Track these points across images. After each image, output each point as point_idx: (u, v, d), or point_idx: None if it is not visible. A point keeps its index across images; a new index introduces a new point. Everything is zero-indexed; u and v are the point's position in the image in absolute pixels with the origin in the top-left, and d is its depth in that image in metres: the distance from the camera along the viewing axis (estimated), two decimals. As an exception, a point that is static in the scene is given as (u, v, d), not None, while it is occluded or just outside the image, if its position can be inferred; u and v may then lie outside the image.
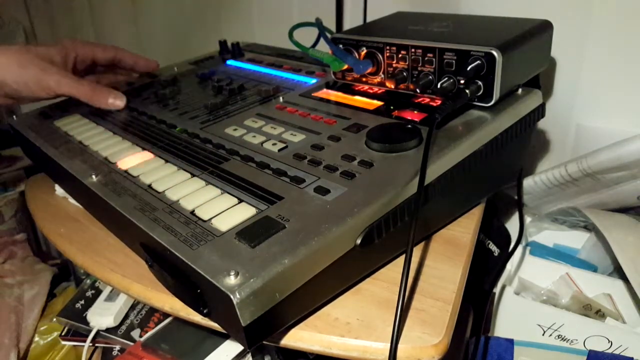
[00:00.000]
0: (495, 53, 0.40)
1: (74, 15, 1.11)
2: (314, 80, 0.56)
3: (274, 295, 0.29)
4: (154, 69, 0.64)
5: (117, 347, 0.57)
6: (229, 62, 0.69)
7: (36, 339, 0.66)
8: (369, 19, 0.72)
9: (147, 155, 0.44)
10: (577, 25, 0.55)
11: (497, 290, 0.55)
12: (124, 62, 0.61)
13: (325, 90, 0.53)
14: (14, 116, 0.58)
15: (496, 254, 0.60)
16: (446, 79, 0.44)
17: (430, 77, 0.45)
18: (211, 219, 0.34)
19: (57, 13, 1.13)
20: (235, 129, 0.47)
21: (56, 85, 0.51)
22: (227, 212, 0.34)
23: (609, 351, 0.47)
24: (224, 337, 0.49)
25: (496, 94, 0.42)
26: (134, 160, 0.44)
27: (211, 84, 0.59)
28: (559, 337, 0.50)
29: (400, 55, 0.46)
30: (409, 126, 0.40)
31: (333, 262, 0.32)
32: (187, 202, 0.36)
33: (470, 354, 0.50)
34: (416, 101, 0.47)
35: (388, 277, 0.37)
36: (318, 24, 0.49)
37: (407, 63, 0.46)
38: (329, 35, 0.49)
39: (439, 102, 0.46)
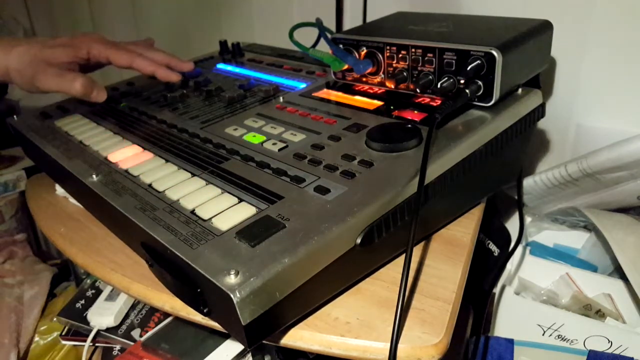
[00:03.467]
0: (495, 53, 0.40)
1: (73, 16, 1.11)
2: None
3: (274, 295, 0.29)
4: (176, 81, 0.57)
5: (118, 347, 0.57)
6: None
7: (36, 339, 0.66)
8: (369, 19, 0.72)
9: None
10: (577, 25, 0.55)
11: (497, 290, 0.55)
12: (142, 72, 0.56)
13: (325, 90, 0.53)
14: (15, 116, 0.58)
15: (496, 254, 0.60)
16: (446, 78, 0.44)
17: (430, 77, 0.45)
18: (211, 218, 0.34)
19: (57, 13, 1.14)
20: (235, 129, 0.47)
21: (42, 85, 0.49)
22: (227, 211, 0.34)
23: (609, 351, 0.47)
24: (224, 336, 0.49)
25: (496, 94, 0.42)
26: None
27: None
28: (559, 337, 0.50)
29: (400, 55, 0.46)
30: (409, 126, 0.40)
31: (333, 262, 0.32)
32: (188, 202, 0.36)
33: (470, 353, 0.50)
34: (416, 101, 0.47)
35: (388, 276, 0.37)
36: (318, 24, 0.49)
37: (407, 63, 0.46)
38: (329, 35, 0.49)
39: (439, 102, 0.46)
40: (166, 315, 0.55)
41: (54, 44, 0.51)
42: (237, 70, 0.65)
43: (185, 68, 0.59)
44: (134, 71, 0.56)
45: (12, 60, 0.48)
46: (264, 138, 0.44)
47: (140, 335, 0.55)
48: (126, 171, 0.42)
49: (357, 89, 0.52)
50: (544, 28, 0.47)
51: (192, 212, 0.35)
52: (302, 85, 0.56)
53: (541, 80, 0.50)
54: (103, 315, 0.56)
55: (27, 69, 0.49)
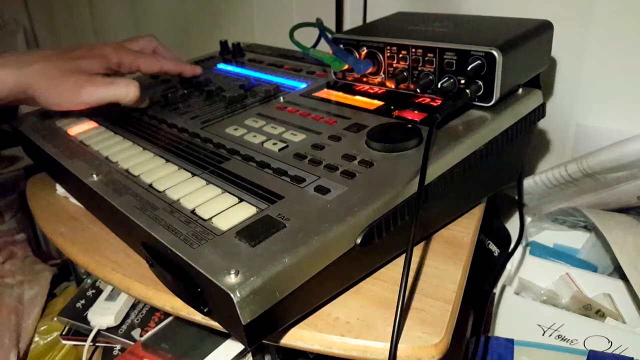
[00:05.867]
0: (495, 53, 0.40)
1: (73, 16, 1.11)
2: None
3: (274, 294, 0.29)
4: (198, 74, 0.60)
5: (118, 347, 0.57)
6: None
7: (36, 339, 0.66)
8: (369, 19, 0.72)
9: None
10: (577, 25, 0.55)
11: (497, 290, 0.55)
12: (170, 73, 0.57)
13: (325, 90, 0.53)
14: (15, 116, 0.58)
15: (496, 254, 0.60)
16: (446, 78, 0.44)
17: (431, 77, 0.45)
18: (212, 218, 0.34)
19: (57, 13, 1.14)
20: (235, 129, 0.47)
21: (91, 96, 0.46)
22: (227, 211, 0.34)
23: (609, 351, 0.47)
24: (225, 336, 0.49)
25: (496, 94, 0.42)
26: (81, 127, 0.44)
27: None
28: (559, 337, 0.50)
29: (400, 55, 0.46)
30: (409, 126, 0.40)
31: (333, 262, 0.32)
32: (188, 202, 0.36)
33: (470, 354, 0.50)
34: (416, 101, 0.47)
35: (388, 276, 0.38)
36: (318, 24, 0.49)
37: (407, 63, 0.46)
38: (329, 35, 0.49)
39: (439, 102, 0.46)
40: (166, 315, 0.55)
41: (77, 55, 0.48)
42: (238, 70, 0.65)
43: (197, 71, 0.61)
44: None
45: (36, 78, 0.44)
46: (264, 138, 0.44)
47: (141, 335, 0.55)
48: (127, 171, 0.42)
49: (357, 89, 0.52)
50: (544, 28, 0.47)
51: (193, 211, 0.35)
52: (303, 85, 0.56)
53: (541, 80, 0.50)
54: (103, 315, 0.56)
55: (61, 84, 0.45)
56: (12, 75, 0.43)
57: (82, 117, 0.55)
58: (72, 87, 0.45)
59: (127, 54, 0.52)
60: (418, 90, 0.46)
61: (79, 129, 0.52)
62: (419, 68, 0.45)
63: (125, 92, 0.47)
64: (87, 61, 0.48)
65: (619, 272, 0.54)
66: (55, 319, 0.62)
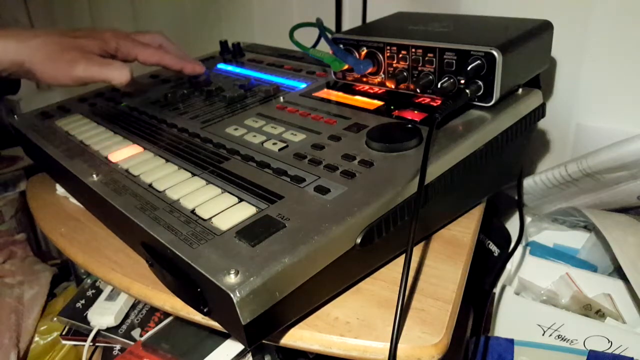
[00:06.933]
0: (495, 53, 0.40)
1: (73, 16, 1.11)
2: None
3: (274, 294, 0.29)
4: (200, 73, 0.59)
5: (118, 347, 0.57)
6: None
7: (36, 339, 0.66)
8: (368, 19, 0.72)
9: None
10: (577, 25, 0.55)
11: (497, 290, 0.55)
12: (169, 68, 0.56)
13: (325, 90, 0.53)
14: (15, 116, 0.58)
15: (496, 254, 0.60)
16: (446, 78, 0.44)
17: (431, 77, 0.45)
18: (211, 218, 0.34)
19: (57, 13, 1.14)
20: (235, 129, 0.47)
21: (83, 72, 0.47)
22: (227, 211, 0.34)
23: (609, 351, 0.47)
24: (225, 336, 0.49)
25: (496, 94, 0.42)
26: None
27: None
28: (559, 337, 0.50)
29: (400, 55, 0.46)
30: (409, 126, 0.40)
31: (333, 262, 0.32)
32: (188, 201, 0.36)
33: (470, 354, 0.50)
34: (416, 101, 0.47)
35: (388, 276, 0.38)
36: (318, 24, 0.49)
37: (407, 63, 0.46)
38: (329, 35, 0.49)
39: (439, 102, 0.46)
40: (166, 315, 0.55)
41: (78, 34, 0.50)
42: (238, 70, 0.65)
43: (198, 69, 0.59)
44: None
45: (34, 50, 0.45)
46: (264, 138, 0.44)
47: (141, 335, 0.55)
48: (126, 171, 0.42)
49: (357, 89, 0.52)
50: (544, 28, 0.47)
51: (192, 211, 0.35)
52: (303, 85, 0.56)
53: (541, 80, 0.50)
54: (103, 315, 0.56)
55: (58, 58, 0.46)
56: (12, 46, 0.44)
57: (83, 117, 0.55)
58: (68, 62, 0.46)
59: (126, 40, 0.53)
60: (418, 90, 0.46)
61: (80, 130, 0.52)
62: (419, 68, 0.45)
63: (118, 74, 0.48)
64: (86, 41, 0.49)
65: (619, 272, 0.54)
66: (55, 319, 0.62)
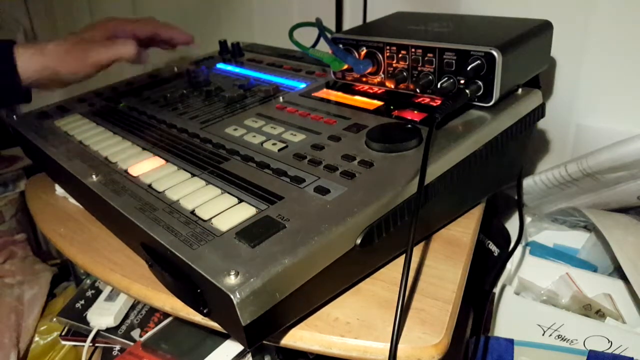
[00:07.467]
0: (495, 53, 0.40)
1: (73, 16, 1.11)
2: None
3: (274, 295, 0.29)
4: (190, 43, 0.63)
5: (117, 347, 0.57)
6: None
7: (36, 339, 0.66)
8: (369, 19, 0.72)
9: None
10: (577, 25, 0.55)
11: (497, 290, 0.55)
12: (161, 36, 0.61)
13: (325, 90, 0.53)
14: (14, 116, 0.58)
15: (496, 254, 0.60)
16: (446, 78, 0.44)
17: (430, 77, 0.45)
18: (211, 218, 0.34)
19: (57, 13, 1.13)
20: (235, 129, 0.47)
21: (96, 57, 0.51)
22: (227, 211, 0.34)
23: (609, 351, 0.47)
24: (224, 337, 0.49)
25: (496, 94, 0.42)
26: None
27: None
28: (559, 337, 0.50)
29: (400, 55, 0.46)
30: (409, 126, 0.40)
31: (333, 262, 0.32)
32: (187, 202, 0.36)
33: (470, 354, 0.50)
34: (416, 101, 0.47)
35: (388, 277, 0.37)
36: (318, 24, 0.49)
37: (407, 63, 0.46)
38: (329, 35, 0.49)
39: (439, 102, 0.46)
40: (166, 315, 0.55)
41: (81, 31, 0.56)
42: (237, 70, 0.65)
43: (189, 40, 0.64)
44: (131, 70, 0.58)
45: (52, 53, 0.50)
46: (264, 138, 0.44)
47: (140, 336, 0.55)
48: (126, 171, 0.42)
49: (357, 89, 0.51)
50: (544, 28, 0.47)
51: (192, 212, 0.35)
52: (302, 85, 0.56)
53: (541, 80, 0.50)
54: (103, 315, 0.56)
55: (72, 54, 0.51)
56: (35, 55, 0.49)
57: (83, 117, 0.55)
58: (81, 53, 0.51)
59: (122, 21, 0.58)
60: (418, 90, 0.46)
61: (79, 130, 0.52)
62: (419, 68, 0.45)
63: (124, 48, 0.53)
64: (89, 33, 0.55)
65: (619, 272, 0.54)
66: (55, 319, 0.62)
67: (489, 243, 0.61)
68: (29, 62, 0.49)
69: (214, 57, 0.73)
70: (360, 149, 0.40)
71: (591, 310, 0.52)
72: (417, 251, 0.40)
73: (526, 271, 0.58)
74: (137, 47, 0.54)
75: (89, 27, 0.56)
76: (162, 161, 0.43)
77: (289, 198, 0.35)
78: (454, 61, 0.43)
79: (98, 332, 0.56)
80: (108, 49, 0.52)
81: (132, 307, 0.59)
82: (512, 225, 0.65)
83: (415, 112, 0.44)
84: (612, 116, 0.57)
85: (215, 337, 0.49)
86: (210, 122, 0.49)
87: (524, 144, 0.49)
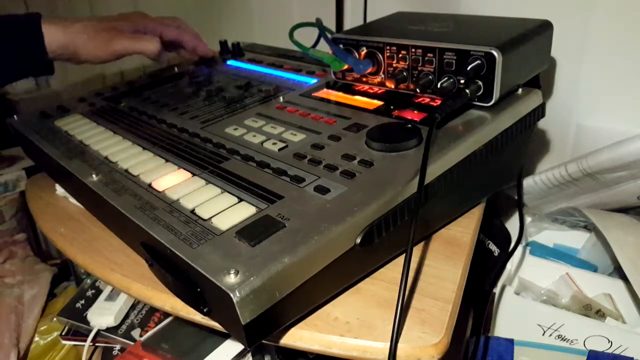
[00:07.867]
0: (495, 53, 0.40)
1: (74, 16, 1.11)
2: (314, 80, 0.56)
3: (273, 294, 0.29)
4: (209, 56, 0.68)
5: (118, 347, 0.57)
6: (229, 62, 0.69)
7: (36, 339, 0.66)
8: (369, 19, 0.72)
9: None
10: (577, 25, 0.55)
11: (497, 290, 0.55)
12: (185, 44, 0.64)
13: (325, 90, 0.53)
14: (15, 116, 0.58)
15: (496, 254, 0.60)
16: (446, 78, 0.44)
17: (430, 77, 0.45)
18: (211, 217, 0.34)
19: (57, 13, 1.13)
20: (235, 129, 0.47)
21: (120, 46, 0.55)
22: (227, 211, 0.34)
23: (609, 351, 0.47)
24: (224, 336, 0.49)
25: (496, 94, 0.42)
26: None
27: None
28: (559, 337, 0.50)
29: (400, 55, 0.46)
30: (409, 126, 0.40)
31: (333, 262, 0.32)
32: (187, 201, 0.36)
33: (470, 354, 0.50)
34: (416, 101, 0.47)
35: (388, 276, 0.37)
36: (318, 24, 0.49)
37: (407, 63, 0.46)
38: (329, 35, 0.49)
39: (439, 102, 0.46)
40: (166, 315, 0.55)
41: (112, 18, 0.58)
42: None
43: (209, 53, 0.68)
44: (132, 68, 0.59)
45: (77, 34, 0.52)
46: (264, 138, 0.44)
47: (140, 335, 0.55)
48: (126, 171, 0.42)
49: (357, 89, 0.52)
50: (544, 28, 0.47)
51: (192, 211, 0.35)
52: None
53: (541, 80, 0.50)
54: (103, 315, 0.56)
55: (97, 37, 0.53)
56: (59, 32, 0.51)
57: (83, 117, 0.55)
58: (106, 39, 0.54)
59: (152, 20, 0.61)
60: (418, 90, 0.46)
61: (79, 130, 0.52)
62: (419, 68, 0.45)
63: (150, 44, 0.56)
64: (119, 22, 0.57)
65: (619, 272, 0.54)
66: (55, 319, 0.62)
67: (489, 243, 0.61)
68: (53, 37, 0.51)
69: (214, 57, 0.73)
70: (360, 149, 0.40)
71: (591, 310, 0.52)
72: (417, 251, 0.40)
73: (526, 271, 0.58)
74: (161, 46, 0.57)
75: (120, 17, 0.59)
76: (162, 160, 0.43)
77: (289, 197, 0.35)
78: (454, 61, 0.43)
79: (98, 331, 0.56)
80: (133, 42, 0.55)
81: (133, 307, 0.59)
82: (512, 225, 0.65)
83: (415, 112, 0.45)
84: (612, 116, 0.57)
85: (215, 337, 0.49)
86: (210, 122, 0.50)
87: (524, 144, 0.49)
